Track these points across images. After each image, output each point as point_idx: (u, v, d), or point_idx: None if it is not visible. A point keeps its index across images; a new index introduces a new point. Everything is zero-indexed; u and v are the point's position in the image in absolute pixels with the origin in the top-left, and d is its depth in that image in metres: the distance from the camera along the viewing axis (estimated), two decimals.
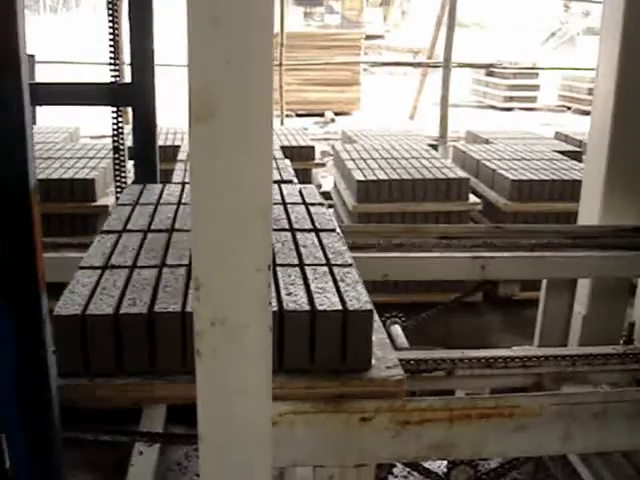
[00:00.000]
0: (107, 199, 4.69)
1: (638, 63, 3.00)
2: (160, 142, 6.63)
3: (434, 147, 6.56)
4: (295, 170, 5.35)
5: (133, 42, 3.04)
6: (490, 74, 15.09)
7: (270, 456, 1.39)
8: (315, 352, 1.60)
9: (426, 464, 1.90)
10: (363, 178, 4.80)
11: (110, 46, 3.06)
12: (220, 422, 1.27)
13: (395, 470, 2.83)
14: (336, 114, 12.89)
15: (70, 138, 6.69)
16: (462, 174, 4.95)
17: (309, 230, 2.15)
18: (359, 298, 1.68)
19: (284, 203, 2.45)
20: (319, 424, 1.58)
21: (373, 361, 1.64)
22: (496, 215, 4.96)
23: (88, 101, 2.78)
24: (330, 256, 1.95)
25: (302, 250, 1.97)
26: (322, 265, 1.87)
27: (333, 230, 2.13)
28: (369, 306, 1.64)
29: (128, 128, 7.92)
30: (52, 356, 1.45)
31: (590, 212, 3.19)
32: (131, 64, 3.06)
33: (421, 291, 4.49)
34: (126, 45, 3.06)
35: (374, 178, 4.80)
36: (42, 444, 1.48)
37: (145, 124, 3.08)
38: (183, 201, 2.50)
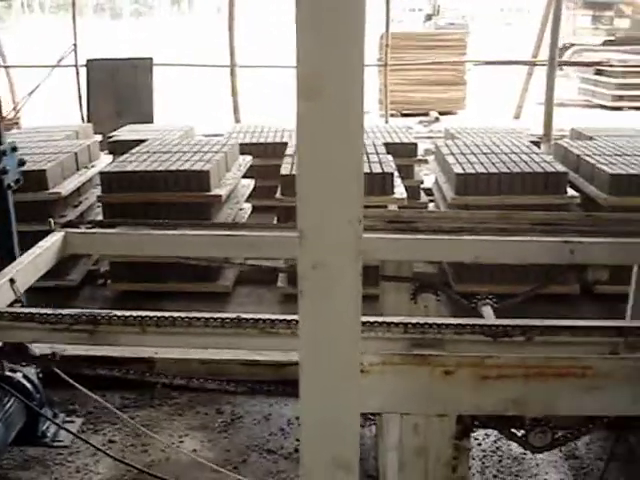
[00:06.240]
0: (220, 190, 5.02)
1: None
2: (264, 139, 7.02)
3: (537, 144, 6.60)
4: (397, 166, 5.56)
5: None
6: (599, 73, 14.76)
7: (358, 400, 1.59)
8: None
9: None
10: (462, 171, 4.94)
11: None
12: (318, 360, 1.49)
13: None
14: (441, 114, 12.96)
15: (186, 135, 7.13)
16: (561, 168, 5.00)
17: None
18: None
19: None
20: (406, 375, 1.76)
21: None
22: (595, 210, 4.96)
23: None
24: None
25: None
26: None
27: None
28: None
29: (238, 127, 8.32)
30: None
31: None
32: None
33: (514, 282, 4.43)
34: None
35: (473, 171, 4.93)
36: None
37: None
38: None
